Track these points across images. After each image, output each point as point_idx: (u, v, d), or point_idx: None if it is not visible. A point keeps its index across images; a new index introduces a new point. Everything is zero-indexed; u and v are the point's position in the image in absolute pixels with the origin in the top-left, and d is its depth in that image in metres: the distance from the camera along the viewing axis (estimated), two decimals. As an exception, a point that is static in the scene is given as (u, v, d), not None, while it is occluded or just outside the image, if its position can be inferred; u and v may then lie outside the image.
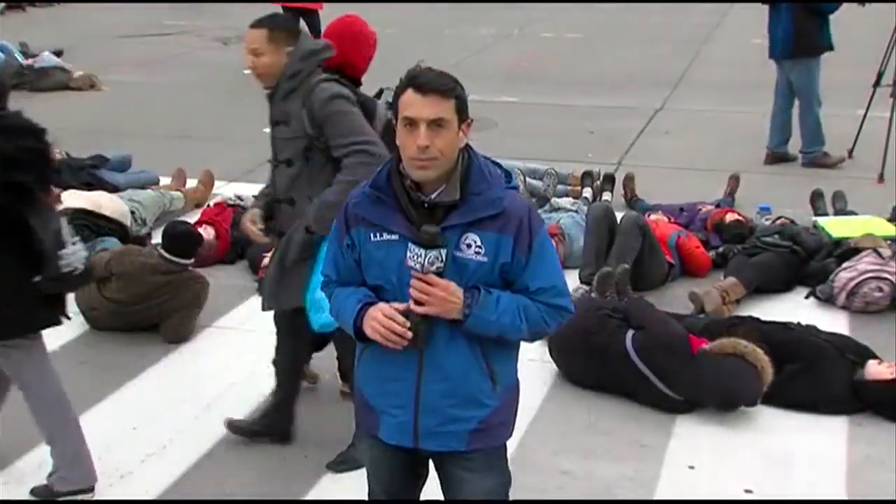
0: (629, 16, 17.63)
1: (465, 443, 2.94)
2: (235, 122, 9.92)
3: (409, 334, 2.78)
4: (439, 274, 2.76)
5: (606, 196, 7.56)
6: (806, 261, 6.28)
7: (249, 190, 7.03)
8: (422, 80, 2.74)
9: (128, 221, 6.84)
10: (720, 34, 15.93)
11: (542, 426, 4.71)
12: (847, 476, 4.36)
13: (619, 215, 6.45)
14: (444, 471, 3.07)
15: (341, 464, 4.39)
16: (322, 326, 4.05)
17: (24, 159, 3.73)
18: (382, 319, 2.79)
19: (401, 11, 17.17)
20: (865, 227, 6.60)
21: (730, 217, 6.83)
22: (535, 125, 10.15)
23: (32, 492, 4.19)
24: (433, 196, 2.80)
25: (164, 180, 7.93)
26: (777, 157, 8.79)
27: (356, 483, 4.26)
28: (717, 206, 7.15)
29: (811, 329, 5.22)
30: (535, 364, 5.05)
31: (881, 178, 8.10)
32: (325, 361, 5.11)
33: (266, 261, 4.88)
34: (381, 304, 2.83)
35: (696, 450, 4.55)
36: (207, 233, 6.58)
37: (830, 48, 8.42)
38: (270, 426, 4.59)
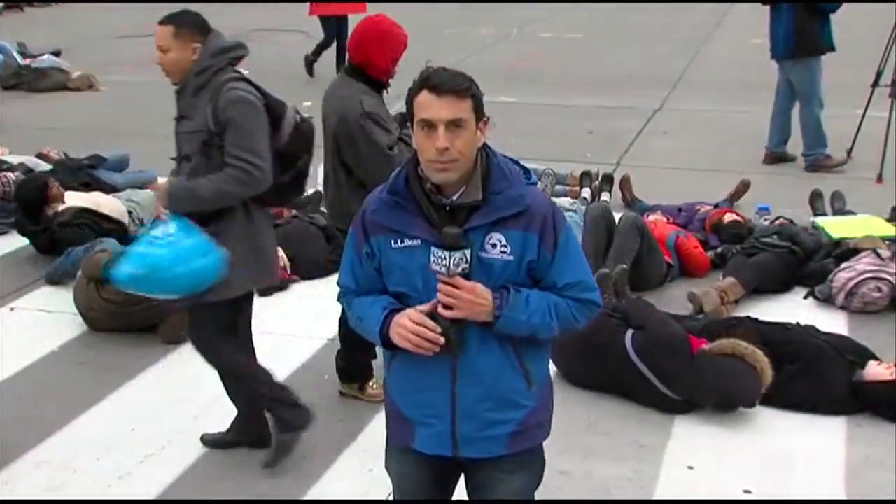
0: (629, 16, 17.61)
1: (505, 447, 2.85)
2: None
3: (442, 340, 2.68)
4: (465, 276, 2.68)
5: (605, 196, 7.56)
6: (805, 261, 6.26)
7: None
8: (436, 81, 2.66)
9: (126, 221, 6.84)
10: (720, 34, 15.92)
11: (541, 426, 4.70)
12: (846, 476, 4.35)
13: (617, 216, 6.45)
14: (480, 475, 2.95)
15: (277, 453, 4.31)
16: (120, 279, 3.98)
17: None
18: (412, 326, 2.69)
19: (401, 11, 16.98)
20: (864, 227, 6.59)
21: (728, 217, 6.82)
22: (534, 125, 10.13)
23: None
24: (455, 198, 2.71)
25: (163, 180, 7.89)
26: (776, 157, 8.78)
27: (356, 483, 4.27)
28: (716, 206, 7.15)
29: (810, 329, 5.22)
30: (534, 364, 5.04)
31: (880, 178, 8.10)
32: (325, 362, 5.10)
33: None
34: (409, 311, 2.73)
35: (696, 450, 4.55)
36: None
37: (832, 48, 8.40)
38: (242, 435, 4.51)
